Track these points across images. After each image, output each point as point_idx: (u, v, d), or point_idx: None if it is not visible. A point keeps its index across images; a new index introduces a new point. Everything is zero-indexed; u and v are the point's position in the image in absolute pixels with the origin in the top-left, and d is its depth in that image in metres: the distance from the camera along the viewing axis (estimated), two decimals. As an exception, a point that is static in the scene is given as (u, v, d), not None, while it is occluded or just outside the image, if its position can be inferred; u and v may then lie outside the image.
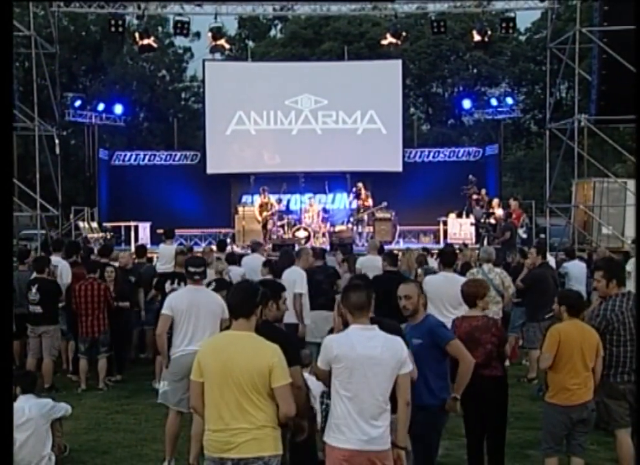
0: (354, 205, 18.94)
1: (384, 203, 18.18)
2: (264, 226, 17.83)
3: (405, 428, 3.94)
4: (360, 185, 18.62)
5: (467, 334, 5.18)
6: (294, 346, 4.36)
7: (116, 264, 10.30)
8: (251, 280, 5.39)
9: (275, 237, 17.41)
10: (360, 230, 18.24)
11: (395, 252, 10.75)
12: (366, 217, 18.32)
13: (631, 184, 16.33)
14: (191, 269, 6.09)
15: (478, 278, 6.89)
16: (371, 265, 9.49)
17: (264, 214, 17.92)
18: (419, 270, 9.21)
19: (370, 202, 18.42)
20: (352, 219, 18.58)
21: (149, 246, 17.22)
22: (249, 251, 11.86)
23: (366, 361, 3.82)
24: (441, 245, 16.74)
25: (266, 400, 3.71)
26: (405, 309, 4.80)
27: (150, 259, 12.58)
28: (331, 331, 4.68)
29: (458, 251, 12.13)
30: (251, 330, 3.85)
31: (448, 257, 7.55)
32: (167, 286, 8.33)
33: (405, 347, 3.96)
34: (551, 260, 10.34)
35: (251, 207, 18.40)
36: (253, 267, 9.60)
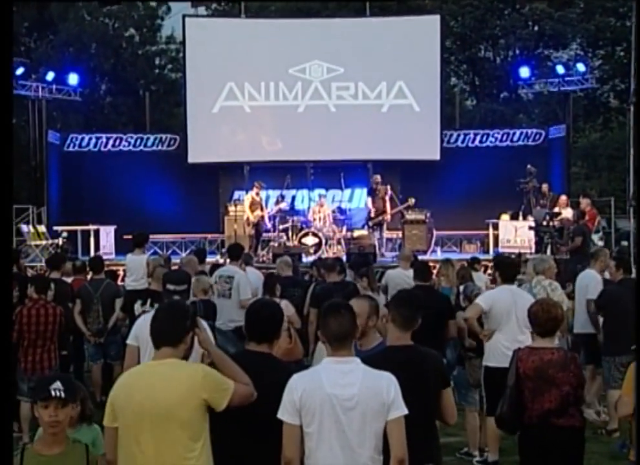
0: (369, 204, 18.52)
1: (412, 200, 17.99)
2: (256, 230, 17.79)
3: None
4: (378, 178, 18.24)
5: (537, 371, 5.15)
6: None
7: (69, 280, 10.36)
8: (180, 299, 5.40)
9: (276, 244, 17.44)
10: (379, 236, 18.08)
11: (431, 263, 10.77)
12: (389, 218, 18.18)
13: None
14: (170, 287, 6.05)
15: (548, 298, 6.83)
16: (401, 280, 9.56)
17: (256, 213, 17.78)
18: (460, 288, 9.19)
19: (388, 205, 17.98)
20: (369, 223, 18.28)
21: (113, 256, 17.37)
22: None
23: (337, 404, 3.82)
24: (490, 255, 16.73)
25: (195, 443, 3.77)
26: None
27: (113, 274, 12.63)
28: None
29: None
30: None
31: (508, 269, 7.53)
32: (137, 307, 8.34)
33: (395, 384, 3.90)
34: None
35: (243, 207, 18.32)
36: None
